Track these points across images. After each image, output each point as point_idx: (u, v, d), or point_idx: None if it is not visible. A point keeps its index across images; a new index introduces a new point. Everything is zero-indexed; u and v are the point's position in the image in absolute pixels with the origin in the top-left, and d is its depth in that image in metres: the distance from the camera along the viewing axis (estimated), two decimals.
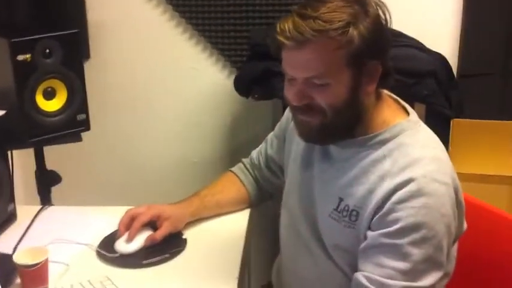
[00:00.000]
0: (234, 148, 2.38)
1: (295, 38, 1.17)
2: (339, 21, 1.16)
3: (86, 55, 2.27)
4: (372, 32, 1.19)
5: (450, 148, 1.96)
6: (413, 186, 1.17)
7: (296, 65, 1.22)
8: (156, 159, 2.44)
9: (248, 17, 2.20)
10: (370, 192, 1.23)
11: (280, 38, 1.19)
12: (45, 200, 1.92)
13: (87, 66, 2.25)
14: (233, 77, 2.17)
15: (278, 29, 1.20)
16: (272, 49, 1.25)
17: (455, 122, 1.97)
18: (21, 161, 1.93)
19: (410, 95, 1.88)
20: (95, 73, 2.27)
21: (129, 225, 1.50)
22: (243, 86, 2.10)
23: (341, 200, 1.29)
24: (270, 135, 1.64)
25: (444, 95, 1.94)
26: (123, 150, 2.44)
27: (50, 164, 1.92)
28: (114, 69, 2.32)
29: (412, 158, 1.21)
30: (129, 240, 1.47)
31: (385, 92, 1.33)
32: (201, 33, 2.24)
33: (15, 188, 1.67)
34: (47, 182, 1.91)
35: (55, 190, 1.94)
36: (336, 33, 1.16)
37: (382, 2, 1.24)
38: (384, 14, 1.23)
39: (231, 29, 2.22)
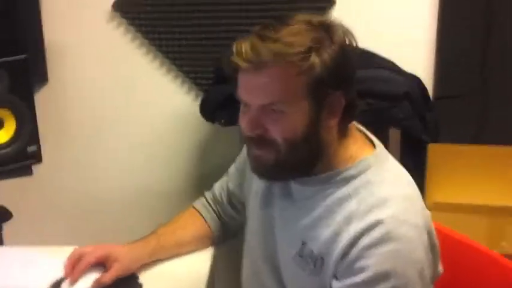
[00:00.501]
0: (203, 176, 2.25)
1: (252, 60, 1.08)
2: (301, 45, 1.07)
3: (43, 79, 2.15)
4: (335, 60, 1.09)
5: (427, 175, 1.86)
6: (381, 229, 1.07)
7: (251, 89, 1.12)
8: (118, 190, 2.31)
9: (216, 38, 2.09)
10: (336, 235, 1.12)
11: (236, 60, 1.10)
12: None
13: (45, 91, 2.17)
14: (199, 100, 2.05)
15: (234, 50, 1.11)
16: (227, 72, 1.16)
17: (431, 147, 1.87)
18: None
19: (384, 119, 1.81)
20: (53, 98, 2.17)
21: (75, 266, 1.38)
22: (208, 110, 2.00)
23: (304, 244, 1.18)
24: (231, 168, 1.53)
25: (420, 119, 1.85)
26: (82, 182, 2.31)
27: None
28: (74, 94, 2.20)
29: (379, 197, 1.11)
30: (73, 282, 1.35)
31: (353, 124, 1.23)
32: (165, 54, 2.13)
33: None
34: None
35: (7, 227, 1.81)
36: (296, 58, 1.07)
37: (349, 30, 1.15)
38: (351, 43, 1.14)
39: (197, 50, 2.11)
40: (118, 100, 2.21)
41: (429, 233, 1.13)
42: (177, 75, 2.16)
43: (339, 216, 1.14)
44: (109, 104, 2.22)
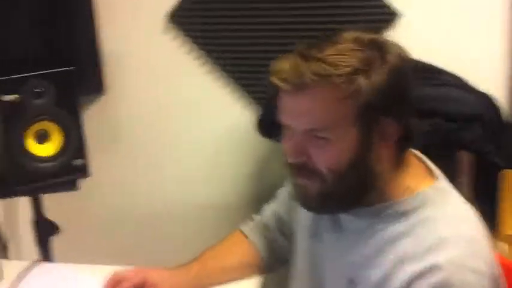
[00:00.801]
0: (260, 192, 2.14)
1: (293, 81, 0.98)
2: (346, 66, 0.96)
3: (100, 89, 2.11)
4: (387, 83, 0.97)
5: (500, 204, 1.69)
6: (439, 275, 0.94)
7: (292, 113, 1.03)
8: (169, 207, 2.23)
9: (276, 51, 1.98)
10: (387, 277, 1.01)
11: (275, 80, 1.00)
12: (44, 252, 1.76)
13: (102, 102, 2.13)
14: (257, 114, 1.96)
15: (274, 69, 1.01)
16: (268, 92, 1.06)
17: (506, 174, 1.70)
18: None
19: (452, 142, 1.67)
20: (109, 109, 2.14)
21: None
22: (264, 126, 1.91)
23: (351, 282, 1.07)
24: (282, 191, 1.42)
25: (493, 141, 1.69)
26: (133, 197, 2.25)
27: (53, 212, 1.77)
28: (129, 105, 2.15)
29: (438, 237, 0.98)
30: None
31: (410, 151, 1.10)
32: (222, 67, 2.05)
33: (13, 238, 1.52)
34: (44, 233, 1.75)
35: (56, 241, 1.78)
36: (340, 80, 0.96)
37: (405, 49, 1.03)
38: (407, 64, 1.01)
39: (256, 63, 2.01)
40: (173, 113, 2.15)
41: (494, 279, 0.98)
42: (235, 89, 2.07)
43: (392, 256, 1.02)
44: (163, 116, 2.16)
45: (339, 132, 0.99)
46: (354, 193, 1.04)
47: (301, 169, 1.04)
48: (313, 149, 1.01)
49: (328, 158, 1.00)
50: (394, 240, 1.02)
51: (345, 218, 1.12)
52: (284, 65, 1.00)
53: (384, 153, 1.02)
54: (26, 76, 1.51)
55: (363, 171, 1.02)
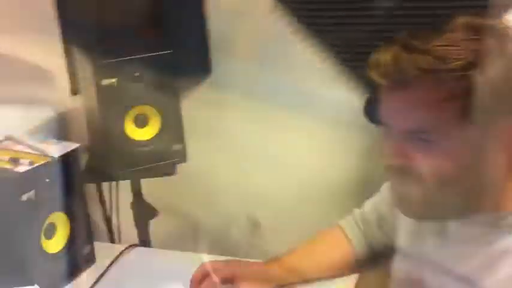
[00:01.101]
0: (365, 182, 1.99)
1: (394, 76, 0.89)
2: (458, 59, 0.84)
3: (207, 71, 2.07)
4: (506, 78, 0.84)
5: None
6: None
7: (392, 112, 0.94)
8: (269, 195, 2.14)
9: (386, 30, 1.83)
10: None
11: (375, 75, 0.90)
12: (143, 236, 1.76)
13: (207, 84, 2.09)
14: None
15: (373, 62, 0.91)
16: (367, 86, 0.97)
17: None
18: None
19: None
20: (213, 92, 2.08)
21: (201, 282, 1.28)
22: (372, 112, 1.79)
23: None
24: (385, 186, 1.32)
25: None
26: (233, 183, 2.18)
27: (152, 197, 1.77)
28: (234, 88, 2.09)
29: None
30: None
31: None
32: (330, 48, 1.93)
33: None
34: (142, 217, 1.75)
35: (154, 225, 1.77)
36: (449, 76, 0.84)
37: None
38: None
39: (366, 44, 1.85)
40: (277, 96, 2.07)
41: None
42: (343, 71, 1.95)
43: (505, 272, 0.90)
44: (267, 99, 2.08)
45: (446, 135, 0.87)
46: (461, 202, 0.93)
47: (402, 173, 0.93)
48: (416, 151, 0.90)
49: (432, 163, 0.89)
50: (508, 254, 0.90)
51: (452, 224, 1.01)
52: (384, 57, 0.90)
53: (499, 158, 0.89)
54: (125, 59, 1.49)
55: (474, 178, 0.90)
